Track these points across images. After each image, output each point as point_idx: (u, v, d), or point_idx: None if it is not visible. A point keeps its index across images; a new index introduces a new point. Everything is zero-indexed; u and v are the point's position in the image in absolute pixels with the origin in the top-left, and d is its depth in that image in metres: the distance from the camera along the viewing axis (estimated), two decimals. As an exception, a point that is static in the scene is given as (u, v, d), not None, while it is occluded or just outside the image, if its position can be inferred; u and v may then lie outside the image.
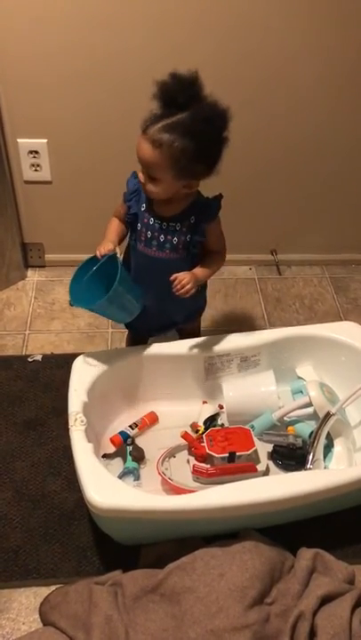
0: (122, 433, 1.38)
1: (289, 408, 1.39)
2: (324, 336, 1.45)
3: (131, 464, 1.33)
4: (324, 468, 1.30)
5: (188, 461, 1.31)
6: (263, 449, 1.31)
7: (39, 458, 1.41)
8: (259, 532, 1.21)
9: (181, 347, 1.41)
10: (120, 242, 1.31)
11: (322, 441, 1.30)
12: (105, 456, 1.35)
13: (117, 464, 1.35)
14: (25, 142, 1.68)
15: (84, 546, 1.26)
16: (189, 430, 1.38)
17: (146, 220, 1.27)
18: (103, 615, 1.08)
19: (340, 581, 1.16)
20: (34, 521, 1.29)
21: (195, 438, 1.33)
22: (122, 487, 1.15)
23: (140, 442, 1.38)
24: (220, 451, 1.26)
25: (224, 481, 1.19)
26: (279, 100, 1.65)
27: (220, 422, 1.42)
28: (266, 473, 1.29)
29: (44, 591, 1.18)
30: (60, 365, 1.60)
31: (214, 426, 1.39)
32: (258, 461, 1.28)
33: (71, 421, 1.21)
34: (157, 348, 1.40)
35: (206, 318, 1.53)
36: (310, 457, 1.28)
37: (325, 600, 1.12)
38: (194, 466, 1.28)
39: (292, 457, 1.33)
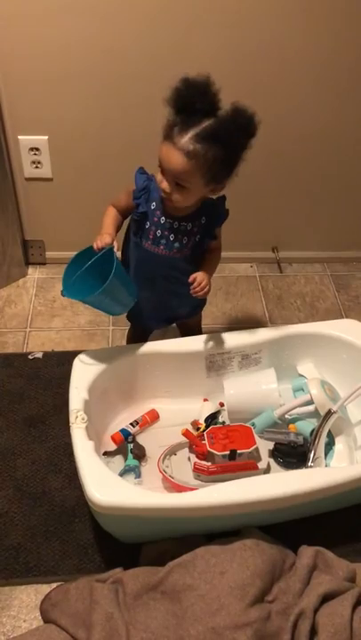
0: (123, 430, 1.38)
1: (290, 406, 1.39)
2: (326, 334, 1.45)
3: (132, 462, 1.33)
4: (326, 465, 1.30)
5: (189, 459, 1.31)
6: (264, 447, 1.31)
7: (40, 455, 1.41)
8: (260, 530, 1.21)
9: (182, 344, 1.41)
10: (116, 232, 1.30)
11: (323, 439, 1.30)
12: (106, 454, 1.35)
13: (118, 462, 1.35)
14: (26, 139, 1.68)
15: (85, 543, 1.26)
16: (190, 428, 1.37)
17: (156, 219, 1.26)
18: (104, 613, 1.08)
19: (341, 579, 1.16)
20: (35, 518, 1.29)
21: (196, 436, 1.33)
22: (123, 485, 1.15)
23: (140, 439, 1.38)
24: (221, 448, 1.25)
25: (225, 479, 1.19)
26: (280, 98, 1.65)
27: (221, 420, 1.42)
28: (267, 471, 1.29)
29: (45, 589, 1.18)
30: (60, 363, 1.60)
31: (215, 423, 1.39)
32: (259, 459, 1.28)
33: (72, 419, 1.21)
34: (158, 346, 1.40)
35: (207, 316, 1.53)
36: (311, 455, 1.28)
37: (326, 598, 1.12)
38: (195, 463, 1.28)
39: (293, 455, 1.32)
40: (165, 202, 1.23)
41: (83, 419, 1.20)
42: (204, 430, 1.34)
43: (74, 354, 1.36)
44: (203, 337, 1.43)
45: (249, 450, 1.26)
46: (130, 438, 1.37)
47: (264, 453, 1.29)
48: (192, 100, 1.11)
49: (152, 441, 1.38)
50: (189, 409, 1.45)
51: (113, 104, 1.62)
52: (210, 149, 1.11)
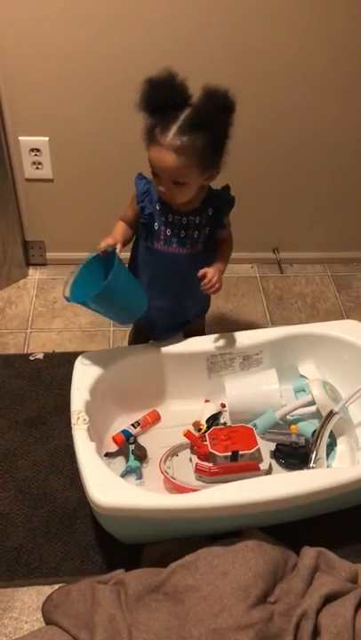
0: (124, 432, 1.37)
1: (292, 407, 1.38)
2: (327, 334, 1.45)
3: (133, 463, 1.33)
4: (327, 466, 1.30)
5: (190, 460, 1.31)
6: (266, 448, 1.31)
7: (41, 456, 1.40)
8: (262, 531, 1.21)
9: (184, 345, 1.41)
10: (125, 244, 1.30)
11: (325, 439, 1.30)
12: (107, 455, 1.35)
13: (120, 463, 1.35)
14: (26, 140, 1.68)
15: (87, 545, 1.26)
16: (192, 429, 1.37)
17: (164, 218, 1.26)
18: (106, 614, 1.08)
19: (343, 580, 1.16)
20: (36, 520, 1.29)
21: (197, 437, 1.32)
22: (124, 486, 1.14)
23: (142, 440, 1.38)
24: (222, 449, 1.25)
25: (227, 480, 1.19)
26: (282, 99, 1.65)
27: (222, 421, 1.41)
28: (269, 472, 1.28)
29: (47, 590, 1.18)
30: (61, 364, 1.60)
31: (217, 424, 1.39)
32: (261, 460, 1.27)
33: (74, 420, 1.20)
34: (159, 347, 1.39)
35: (208, 316, 1.53)
36: (313, 456, 1.28)
37: (329, 599, 1.12)
38: (196, 464, 1.27)
39: (294, 456, 1.32)
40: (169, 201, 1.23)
41: (84, 420, 1.20)
42: (205, 431, 1.34)
43: (75, 355, 1.36)
44: (204, 338, 1.43)
45: (251, 451, 1.25)
46: (131, 439, 1.37)
47: (266, 454, 1.29)
48: (162, 98, 1.11)
49: (153, 442, 1.38)
50: (191, 410, 1.45)
51: (113, 105, 1.62)
52: (197, 138, 1.11)
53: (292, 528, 1.25)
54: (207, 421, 1.40)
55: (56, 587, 1.17)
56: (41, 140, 1.68)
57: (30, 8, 1.46)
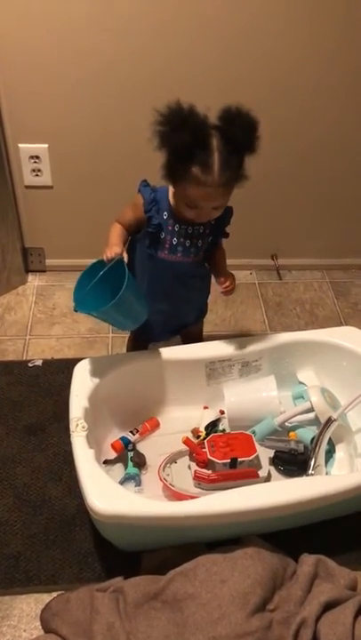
0: (123, 439, 1.37)
1: (290, 413, 1.38)
2: (326, 341, 1.45)
3: (132, 470, 1.33)
4: (326, 473, 1.30)
5: (189, 467, 1.31)
6: (265, 454, 1.31)
7: (40, 463, 1.40)
8: (261, 538, 1.20)
9: (182, 352, 1.41)
10: (123, 247, 1.30)
11: (323, 446, 1.30)
12: (106, 462, 1.35)
13: (118, 470, 1.35)
14: (26, 147, 1.68)
15: (86, 552, 1.25)
16: (191, 436, 1.37)
17: (171, 228, 1.26)
18: (105, 622, 1.07)
19: (342, 588, 1.15)
20: (35, 527, 1.29)
21: (196, 444, 1.32)
22: (123, 493, 1.14)
23: (141, 447, 1.38)
24: (221, 456, 1.25)
25: (226, 487, 1.19)
26: (281, 106, 1.66)
27: (221, 428, 1.42)
28: (267, 479, 1.28)
29: (46, 598, 1.18)
30: (60, 370, 1.59)
31: (216, 431, 1.39)
32: (259, 467, 1.27)
33: (72, 427, 1.20)
34: (158, 354, 1.39)
35: (207, 323, 1.53)
36: (312, 462, 1.28)
37: (328, 606, 1.11)
38: (195, 472, 1.27)
39: (293, 462, 1.32)
40: (175, 208, 1.23)
41: (83, 427, 1.20)
42: (204, 438, 1.34)
43: (74, 361, 1.36)
44: (203, 344, 1.43)
45: (250, 458, 1.25)
46: (130, 446, 1.37)
47: (265, 461, 1.29)
48: (187, 141, 1.08)
49: (152, 449, 1.38)
50: (190, 416, 1.45)
51: (113, 112, 1.63)
52: (236, 166, 1.13)
53: (291, 535, 1.25)
54: (206, 428, 1.40)
55: (55, 594, 1.17)
56: (40, 148, 1.68)
57: (30, 16, 1.47)
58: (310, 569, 1.17)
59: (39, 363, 1.64)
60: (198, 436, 1.38)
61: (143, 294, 1.28)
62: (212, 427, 1.40)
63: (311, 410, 1.37)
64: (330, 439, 1.32)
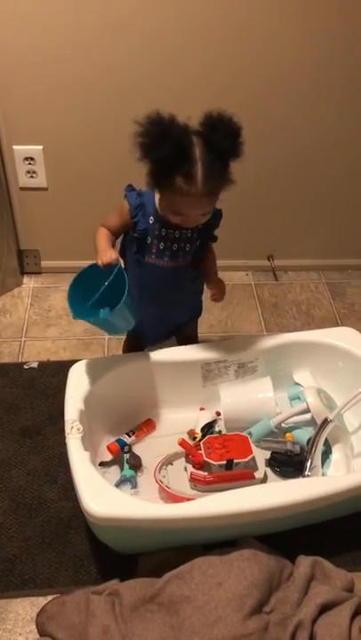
0: (118, 441, 1.37)
1: (287, 414, 1.38)
2: (322, 342, 1.45)
3: (128, 472, 1.32)
4: (322, 474, 1.30)
5: (185, 469, 1.30)
6: (261, 456, 1.30)
7: (35, 466, 1.40)
8: (257, 540, 1.20)
9: (178, 353, 1.41)
10: None
11: (320, 447, 1.29)
12: (102, 464, 1.34)
13: (114, 472, 1.34)
14: (20, 149, 1.68)
15: (81, 555, 1.25)
16: (187, 437, 1.37)
17: (157, 233, 1.25)
18: (100, 625, 1.07)
19: (339, 589, 1.15)
20: (30, 530, 1.28)
21: (192, 445, 1.32)
22: (119, 495, 1.14)
23: (137, 449, 1.38)
24: (217, 458, 1.25)
25: (222, 488, 1.18)
26: (276, 107, 1.66)
27: (217, 429, 1.41)
28: (264, 480, 1.28)
29: (41, 601, 1.17)
30: (56, 372, 1.59)
31: (212, 433, 1.38)
32: (256, 468, 1.27)
33: (67, 429, 1.20)
34: (154, 355, 1.39)
35: (203, 324, 1.53)
36: (308, 464, 1.28)
37: (325, 608, 1.11)
38: (191, 473, 1.27)
39: (290, 464, 1.32)
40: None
41: (78, 429, 1.20)
42: (200, 440, 1.33)
43: (69, 363, 1.35)
44: (199, 346, 1.43)
45: (246, 459, 1.25)
46: (126, 448, 1.36)
47: (261, 463, 1.29)
48: (168, 152, 1.06)
49: (148, 451, 1.37)
50: (186, 418, 1.44)
51: (107, 113, 1.62)
52: (220, 173, 1.12)
53: (288, 537, 1.25)
54: (202, 430, 1.39)
55: (50, 598, 1.17)
56: (35, 149, 1.68)
57: (24, 16, 1.46)
58: (307, 570, 1.17)
59: (35, 365, 1.63)
60: (194, 438, 1.37)
61: (135, 299, 1.27)
62: (209, 428, 1.40)
63: (307, 411, 1.36)
64: (326, 440, 1.32)
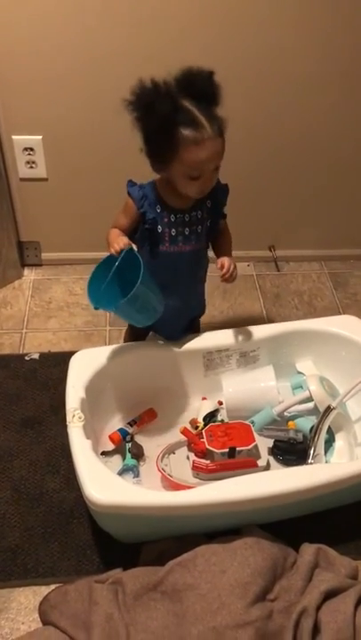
0: (121, 430, 1.36)
1: (289, 403, 1.38)
2: (324, 330, 1.44)
3: (130, 461, 1.32)
4: (326, 462, 1.29)
5: (187, 457, 1.30)
6: (264, 444, 1.30)
7: (37, 456, 1.39)
8: (260, 528, 1.19)
9: (180, 342, 1.40)
10: None
11: (323, 435, 1.29)
12: (104, 453, 1.34)
13: (116, 461, 1.34)
14: (20, 139, 1.67)
15: (84, 544, 1.25)
16: (189, 426, 1.36)
17: (167, 220, 1.24)
18: (104, 614, 1.07)
19: (343, 577, 1.15)
20: (32, 520, 1.28)
21: (194, 434, 1.31)
22: (121, 483, 1.13)
23: (139, 439, 1.37)
24: (220, 446, 1.24)
25: (224, 476, 1.17)
26: (277, 96, 1.65)
27: (219, 418, 1.40)
28: (266, 468, 1.27)
29: (44, 590, 1.16)
30: (57, 363, 1.58)
31: (214, 422, 1.38)
32: (258, 456, 1.26)
33: (69, 418, 1.19)
34: (155, 345, 1.39)
35: (205, 314, 1.52)
36: (311, 451, 1.27)
37: (329, 596, 1.11)
38: (194, 462, 1.26)
39: (292, 452, 1.31)
40: (166, 199, 1.22)
41: (80, 417, 1.19)
42: (202, 428, 1.33)
43: (70, 354, 1.35)
44: (200, 335, 1.42)
45: (248, 447, 1.24)
46: (128, 437, 1.35)
47: (263, 451, 1.28)
48: (170, 115, 1.09)
49: (150, 440, 1.37)
50: (188, 408, 1.44)
51: (107, 103, 1.60)
52: (215, 115, 1.12)
53: (291, 525, 1.24)
54: (204, 419, 1.39)
55: (53, 587, 1.16)
56: (34, 139, 1.67)
57: (23, 7, 1.45)
58: (311, 558, 1.16)
59: (36, 356, 1.63)
60: (196, 427, 1.37)
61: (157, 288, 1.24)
62: (211, 417, 1.39)
63: (310, 399, 1.36)
64: (329, 428, 1.31)
